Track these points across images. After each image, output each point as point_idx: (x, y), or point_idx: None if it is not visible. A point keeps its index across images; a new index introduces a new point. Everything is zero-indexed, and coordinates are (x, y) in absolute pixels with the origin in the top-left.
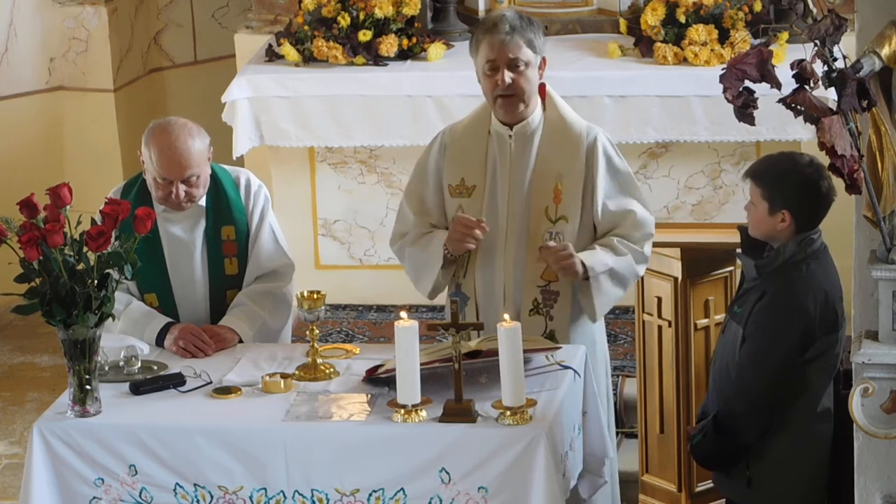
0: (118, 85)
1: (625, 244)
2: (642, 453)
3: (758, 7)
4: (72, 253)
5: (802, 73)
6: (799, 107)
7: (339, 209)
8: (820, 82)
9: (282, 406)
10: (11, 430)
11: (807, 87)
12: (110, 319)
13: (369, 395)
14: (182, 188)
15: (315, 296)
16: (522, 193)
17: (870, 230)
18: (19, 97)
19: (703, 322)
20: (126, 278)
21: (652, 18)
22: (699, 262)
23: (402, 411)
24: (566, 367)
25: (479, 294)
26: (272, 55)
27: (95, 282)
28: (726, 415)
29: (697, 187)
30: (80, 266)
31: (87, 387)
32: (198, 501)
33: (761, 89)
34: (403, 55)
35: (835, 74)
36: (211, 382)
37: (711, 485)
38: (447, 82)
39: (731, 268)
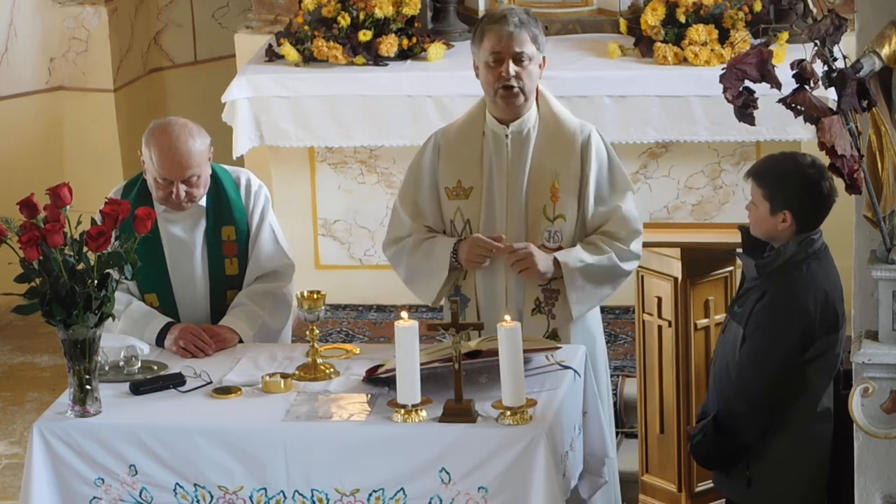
0: (118, 85)
1: (608, 242)
2: (642, 453)
3: (758, 7)
4: (72, 253)
5: (802, 73)
6: (799, 107)
7: (339, 209)
8: (820, 82)
9: (282, 406)
10: (11, 430)
11: (807, 87)
12: (110, 319)
13: (369, 395)
14: (182, 188)
15: (315, 296)
16: (520, 193)
17: (870, 230)
18: (19, 97)
19: (703, 322)
20: (126, 278)
21: (652, 18)
22: (699, 262)
23: (402, 411)
24: (566, 367)
25: (479, 295)
26: (272, 55)
27: (95, 282)
28: (726, 415)
29: (697, 187)
30: (80, 266)
31: (87, 387)
32: (198, 501)
33: (761, 89)
34: (403, 55)
35: (835, 74)
36: (211, 382)
37: (711, 485)
38: (447, 82)
39: (731, 268)
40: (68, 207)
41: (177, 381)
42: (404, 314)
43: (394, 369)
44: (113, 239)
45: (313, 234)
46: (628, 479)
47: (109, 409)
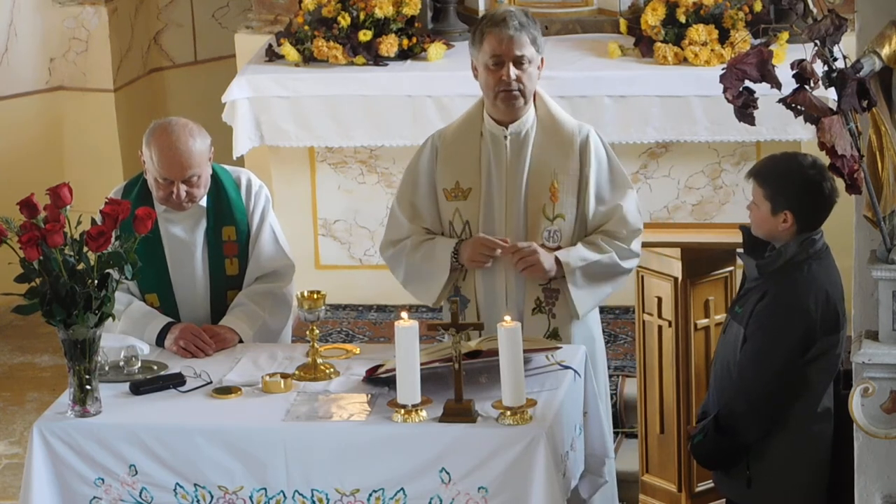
0: (118, 85)
1: (609, 241)
2: (642, 453)
3: (758, 7)
4: (72, 253)
5: (802, 73)
6: (799, 107)
7: (339, 209)
8: (820, 82)
9: (282, 406)
10: (11, 430)
11: (807, 87)
12: (110, 319)
13: (369, 395)
14: (183, 188)
15: (315, 296)
16: (520, 193)
17: (870, 230)
18: (19, 97)
19: (703, 322)
20: (126, 278)
21: (652, 18)
22: (699, 262)
23: (402, 411)
24: (566, 367)
25: (479, 296)
26: (272, 55)
27: (95, 282)
28: (727, 415)
29: (697, 187)
30: (80, 266)
31: (87, 387)
32: (198, 501)
33: (761, 89)
34: (403, 55)
35: (835, 74)
36: (211, 382)
37: (711, 485)
38: (447, 82)
39: (732, 268)
40: (68, 207)
41: (177, 381)
42: (404, 314)
43: (394, 369)
44: (113, 239)
45: (313, 234)
46: (628, 479)
47: (109, 409)
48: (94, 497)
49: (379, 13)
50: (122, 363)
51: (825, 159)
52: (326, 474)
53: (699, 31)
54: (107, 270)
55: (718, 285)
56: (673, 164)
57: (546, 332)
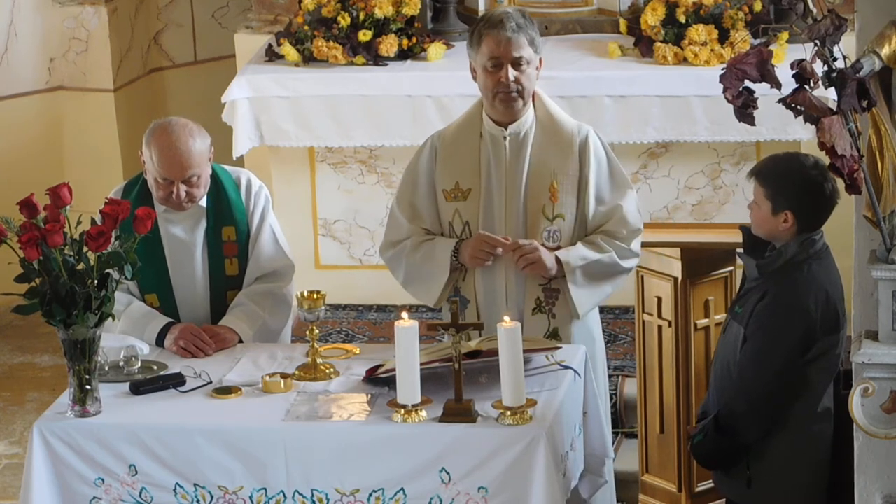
0: (118, 85)
1: (609, 241)
2: (642, 453)
3: (758, 7)
4: (72, 253)
5: (802, 73)
6: (799, 107)
7: (339, 209)
8: (820, 82)
9: (282, 406)
10: (11, 430)
11: (807, 87)
12: (110, 319)
13: (369, 395)
14: (183, 188)
15: (315, 296)
16: (519, 194)
17: (870, 230)
18: (19, 97)
19: (703, 322)
20: (126, 278)
21: (652, 18)
22: (699, 262)
23: (402, 411)
24: (566, 367)
25: (479, 296)
26: (272, 55)
27: (95, 282)
28: (727, 415)
29: (697, 187)
30: (80, 266)
31: (87, 387)
32: (198, 501)
33: (761, 89)
34: (403, 55)
35: (835, 74)
36: (211, 382)
37: (711, 485)
38: (447, 82)
39: (731, 268)
40: (68, 207)
41: (177, 381)
42: (404, 314)
43: (394, 369)
44: (113, 239)
45: (313, 234)
46: (628, 479)
47: (109, 409)
48: (94, 497)
49: (379, 13)
50: (122, 363)
51: (825, 159)
52: (326, 474)
53: (699, 31)
54: (107, 270)
55: (718, 285)
56: (673, 164)
57: (546, 332)
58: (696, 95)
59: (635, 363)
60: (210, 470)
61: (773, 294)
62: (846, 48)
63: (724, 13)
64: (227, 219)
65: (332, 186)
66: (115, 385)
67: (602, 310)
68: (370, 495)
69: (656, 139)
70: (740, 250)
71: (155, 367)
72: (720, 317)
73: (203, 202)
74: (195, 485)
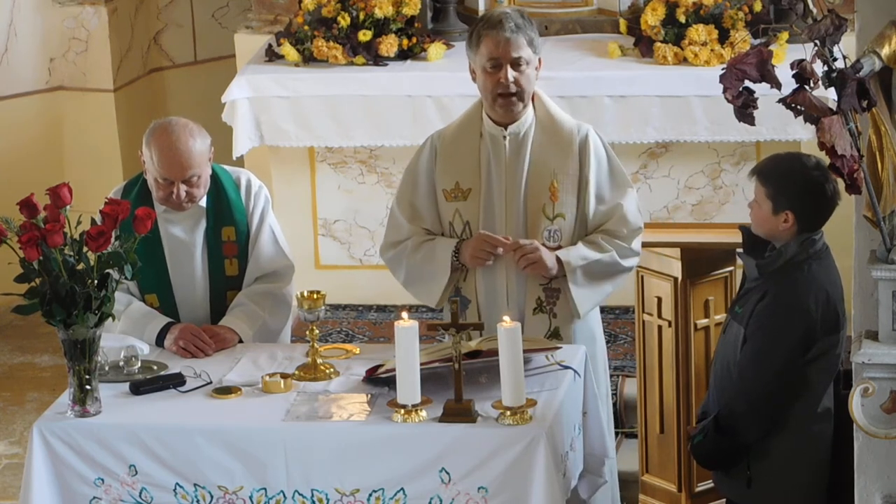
0: (118, 85)
1: (609, 240)
2: (642, 453)
3: (758, 7)
4: (72, 253)
5: (802, 73)
6: (799, 107)
7: (339, 209)
8: (820, 82)
9: (282, 406)
10: (11, 430)
11: (807, 87)
12: (110, 319)
13: (369, 395)
14: (183, 188)
15: (315, 296)
16: (519, 193)
17: (870, 230)
18: (19, 97)
19: (703, 322)
20: (126, 278)
21: (652, 18)
22: (699, 262)
23: (402, 411)
24: (566, 367)
25: (480, 296)
26: (272, 55)
27: (95, 282)
28: (727, 415)
29: (697, 187)
30: (80, 266)
31: (87, 387)
32: (198, 501)
33: (761, 89)
34: (403, 55)
35: (835, 74)
36: (211, 382)
37: (711, 485)
38: (447, 82)
39: (731, 268)
40: (68, 207)
41: (177, 381)
42: (404, 314)
43: (394, 369)
44: (113, 239)
45: (313, 234)
46: (628, 479)
47: (109, 409)
48: (94, 497)
49: (379, 13)
50: (122, 363)
51: (825, 159)
52: (326, 474)
53: (699, 31)
54: (107, 270)
55: (718, 285)
56: (673, 164)
57: (547, 332)
58: (696, 95)
59: (635, 363)
60: (210, 470)
61: (773, 294)
62: (846, 48)
63: (724, 13)
64: (226, 219)
65: (332, 186)
66: (115, 385)
67: (602, 310)
68: (370, 495)
69: (656, 139)
70: (740, 250)
71: (155, 367)
72: (720, 317)
73: (203, 202)
74: (195, 485)
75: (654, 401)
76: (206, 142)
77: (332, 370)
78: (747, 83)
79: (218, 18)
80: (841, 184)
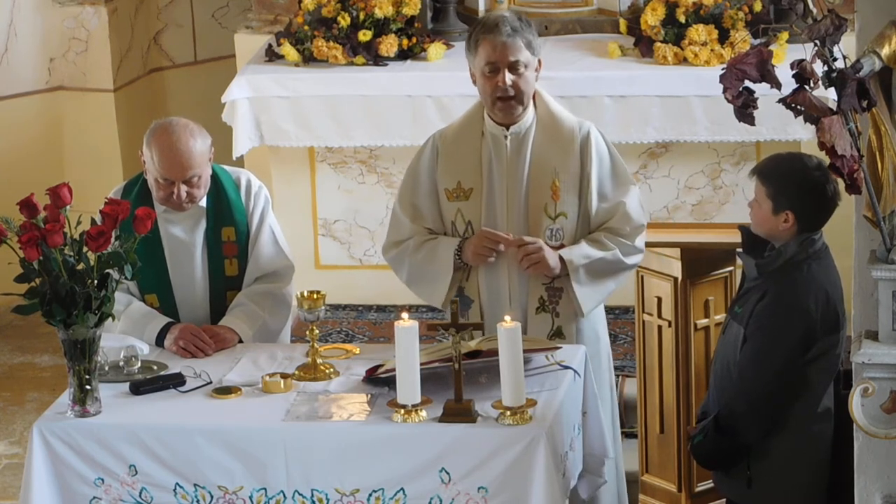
0: (118, 85)
1: (612, 238)
2: (642, 453)
3: (758, 7)
4: (72, 253)
5: (802, 73)
6: (799, 107)
7: (339, 209)
8: (820, 82)
9: (282, 406)
10: (11, 430)
11: (807, 87)
12: (110, 319)
13: (369, 395)
14: (183, 189)
15: (315, 296)
16: (521, 193)
17: (870, 230)
18: (19, 97)
19: (703, 322)
20: (126, 278)
21: (652, 18)
22: (699, 262)
23: (402, 411)
24: (566, 367)
25: (483, 296)
26: (272, 55)
27: (95, 282)
28: (727, 415)
29: (697, 187)
30: (80, 266)
31: (87, 387)
32: (198, 501)
33: (761, 89)
34: (403, 55)
35: (835, 74)
36: (211, 382)
37: (711, 485)
38: (447, 82)
39: (731, 268)
40: (68, 207)
41: (177, 381)
42: (404, 314)
43: (394, 369)
44: (113, 239)
45: (313, 234)
46: (628, 479)
47: (109, 409)
48: (94, 497)
49: (379, 13)
50: (122, 363)
51: (825, 159)
52: (326, 474)
53: (699, 31)
54: (107, 270)
55: (718, 285)
56: (673, 164)
57: (550, 331)
58: (696, 95)
59: (635, 363)
60: (210, 470)
61: (772, 294)
62: (846, 48)
63: (724, 13)
64: (226, 219)
65: (332, 186)
66: (115, 385)
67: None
68: (370, 495)
69: (656, 139)
70: (740, 250)
71: (155, 367)
72: (720, 317)
73: (203, 202)
74: (195, 485)
75: (654, 401)
76: (206, 142)
77: (332, 370)
78: (747, 83)
79: (218, 18)
80: (841, 184)
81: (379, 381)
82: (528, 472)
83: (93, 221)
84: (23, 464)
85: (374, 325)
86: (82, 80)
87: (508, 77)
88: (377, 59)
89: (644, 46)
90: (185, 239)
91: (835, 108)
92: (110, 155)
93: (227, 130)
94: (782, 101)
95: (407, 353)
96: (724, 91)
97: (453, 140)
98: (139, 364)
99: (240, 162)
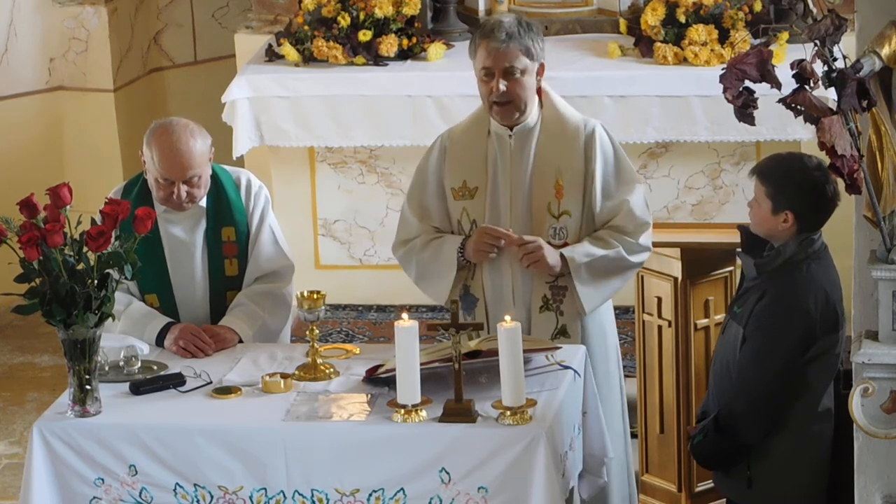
0: (118, 85)
1: (616, 236)
2: (642, 453)
3: (758, 7)
4: (72, 253)
5: (802, 73)
6: (799, 107)
7: (339, 209)
8: (820, 82)
9: (282, 406)
10: (11, 430)
11: (807, 87)
12: (110, 319)
13: (369, 395)
14: (184, 188)
15: (315, 296)
16: (524, 191)
17: (870, 230)
18: (19, 97)
19: (703, 322)
20: (126, 278)
21: (652, 18)
22: (699, 262)
23: (402, 411)
24: (566, 367)
25: (487, 294)
26: (272, 55)
27: (95, 282)
28: (727, 415)
29: (697, 187)
30: (80, 266)
31: (87, 387)
32: (198, 501)
33: (761, 89)
34: (403, 55)
35: (835, 74)
36: (211, 382)
37: (711, 485)
38: (447, 82)
39: (731, 268)
40: (68, 207)
41: (177, 381)
42: (404, 314)
43: (394, 369)
44: (113, 239)
45: (313, 234)
46: None
47: (109, 409)
48: (94, 497)
49: (379, 13)
50: (122, 363)
51: (825, 159)
52: (326, 474)
53: (699, 31)
54: (107, 270)
55: (718, 285)
56: (673, 164)
57: (554, 330)
58: (696, 95)
59: (635, 363)
60: (210, 470)
61: (772, 294)
62: (846, 48)
63: (724, 13)
64: (226, 219)
65: (332, 186)
66: (115, 385)
67: None
68: (370, 495)
69: (656, 139)
70: (739, 249)
71: (155, 367)
72: (720, 317)
73: (203, 202)
74: (195, 485)
75: (654, 401)
76: (206, 142)
77: (332, 370)
78: (747, 83)
79: (218, 18)
80: (841, 184)
81: (379, 381)
82: (528, 472)
83: (93, 221)
84: (23, 464)
85: (374, 325)
86: (82, 80)
87: (502, 83)
88: (377, 59)
89: (644, 46)
90: (185, 239)
91: (835, 108)
92: (110, 155)
93: (227, 130)
94: (782, 101)
95: (407, 353)
96: (724, 91)
97: (460, 139)
98: (139, 364)
99: (240, 162)
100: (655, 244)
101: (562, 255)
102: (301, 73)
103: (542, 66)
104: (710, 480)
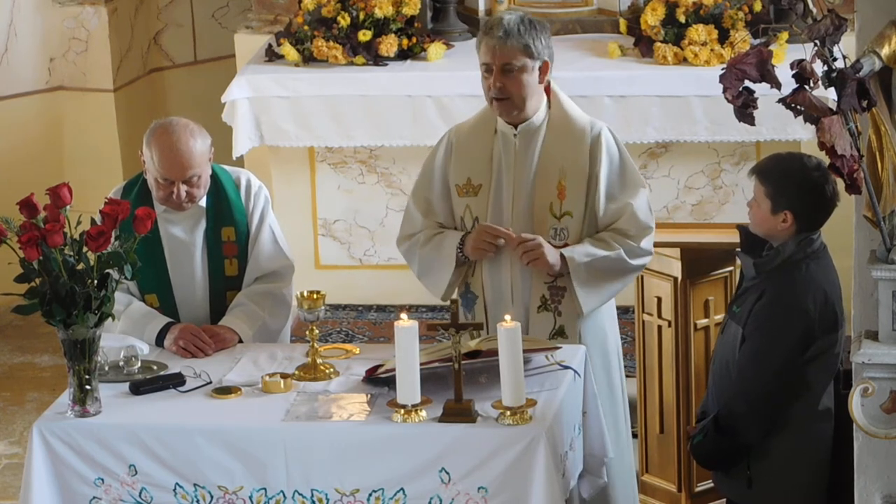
0: (118, 85)
1: (617, 238)
2: (642, 453)
3: (758, 7)
4: (72, 253)
5: (802, 73)
6: (799, 107)
7: (339, 209)
8: (820, 82)
9: (282, 406)
10: (11, 430)
11: (807, 87)
12: (110, 319)
13: (369, 395)
14: (183, 188)
15: (315, 296)
16: (527, 191)
17: (870, 230)
18: (19, 97)
19: (703, 322)
20: (126, 278)
21: (652, 18)
22: (699, 262)
23: (402, 411)
24: (566, 367)
25: (486, 292)
26: (272, 55)
27: (95, 282)
28: (727, 415)
29: (697, 187)
30: (80, 266)
31: (87, 387)
32: (198, 501)
33: (761, 89)
34: (403, 55)
35: (835, 74)
36: (211, 382)
37: (711, 485)
38: (447, 82)
39: (731, 268)
40: (68, 207)
41: (177, 381)
42: (404, 314)
43: (394, 369)
44: (113, 239)
45: (313, 234)
46: None
47: (109, 409)
48: (94, 497)
49: (379, 13)
50: (122, 363)
51: (825, 159)
52: (326, 474)
53: (699, 31)
54: (107, 270)
55: (718, 285)
56: (673, 164)
57: (552, 330)
58: (696, 95)
59: (635, 363)
60: (210, 470)
61: (771, 294)
62: (846, 48)
63: (724, 13)
64: (226, 219)
65: (332, 186)
66: (115, 385)
67: None
68: (370, 495)
69: (656, 139)
70: (738, 249)
71: (155, 367)
72: (720, 317)
73: (203, 202)
74: (195, 485)
75: (654, 401)
76: (206, 142)
77: (332, 370)
78: (747, 83)
79: (218, 18)
80: (841, 184)
81: (379, 381)
82: (528, 472)
83: (93, 221)
84: (23, 464)
85: (374, 325)
86: (82, 80)
87: (499, 80)
88: (377, 59)
89: (644, 46)
90: (185, 239)
91: (835, 108)
92: (110, 155)
93: (227, 130)
94: (782, 101)
95: (407, 353)
96: (724, 91)
97: (467, 136)
98: (139, 364)
99: (240, 162)
100: (655, 244)
101: (562, 255)
102: (301, 73)
103: (545, 65)
104: (710, 480)
